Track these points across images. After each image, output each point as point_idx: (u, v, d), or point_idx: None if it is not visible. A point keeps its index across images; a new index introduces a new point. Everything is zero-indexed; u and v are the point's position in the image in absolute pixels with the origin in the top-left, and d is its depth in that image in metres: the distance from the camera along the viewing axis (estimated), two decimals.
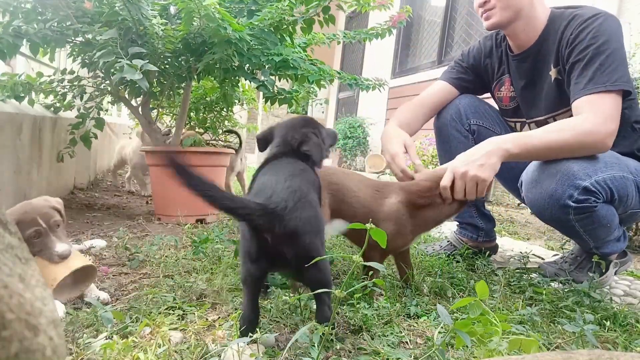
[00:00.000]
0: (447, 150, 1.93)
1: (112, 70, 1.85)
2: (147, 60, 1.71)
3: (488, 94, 2.05)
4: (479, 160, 1.44)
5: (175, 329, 1.10)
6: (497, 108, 2.00)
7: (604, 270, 1.71)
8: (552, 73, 1.68)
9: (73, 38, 2.15)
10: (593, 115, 1.47)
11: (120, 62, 1.68)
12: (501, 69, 1.90)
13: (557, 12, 1.70)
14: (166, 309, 1.22)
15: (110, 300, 1.29)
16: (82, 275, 1.27)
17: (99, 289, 1.35)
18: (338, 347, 1.04)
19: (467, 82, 1.97)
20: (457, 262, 1.87)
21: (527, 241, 2.66)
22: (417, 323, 1.26)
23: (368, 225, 0.88)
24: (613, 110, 1.48)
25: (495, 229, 2.14)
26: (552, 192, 1.50)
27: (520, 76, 1.81)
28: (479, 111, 1.94)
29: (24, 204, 1.25)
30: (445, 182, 1.43)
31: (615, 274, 1.79)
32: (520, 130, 1.91)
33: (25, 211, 1.21)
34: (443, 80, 2.00)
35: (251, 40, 1.99)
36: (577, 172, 1.48)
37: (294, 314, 1.22)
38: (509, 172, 1.81)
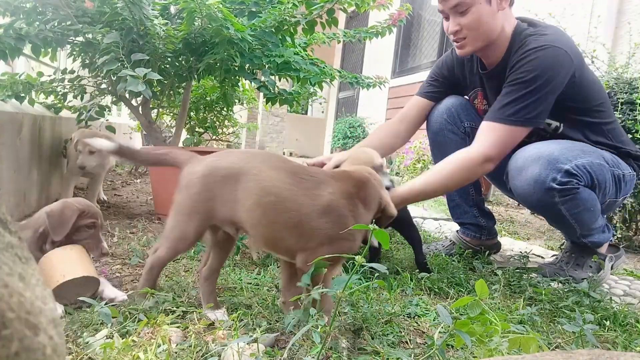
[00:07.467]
0: (445, 153, 1.90)
1: (115, 77, 1.85)
2: (150, 69, 1.71)
3: None
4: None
5: (176, 328, 1.09)
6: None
7: (600, 267, 1.73)
8: None
9: (74, 38, 2.15)
10: (478, 143, 1.62)
11: (123, 72, 1.67)
12: (473, 82, 1.92)
13: (520, 28, 1.69)
14: (166, 308, 1.22)
15: (126, 299, 1.28)
16: (86, 285, 1.26)
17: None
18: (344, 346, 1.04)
19: (440, 93, 2.00)
20: (458, 262, 1.87)
21: (527, 241, 2.66)
22: (417, 323, 1.27)
23: (371, 227, 0.88)
24: (503, 140, 1.59)
25: (495, 227, 2.14)
26: (537, 177, 1.56)
27: (490, 92, 1.84)
28: (470, 112, 1.96)
29: (85, 200, 1.42)
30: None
31: (612, 268, 1.80)
32: None
33: (89, 205, 1.38)
34: (417, 95, 2.04)
35: (252, 41, 1.98)
36: (558, 156, 1.56)
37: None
38: (495, 169, 1.81)
